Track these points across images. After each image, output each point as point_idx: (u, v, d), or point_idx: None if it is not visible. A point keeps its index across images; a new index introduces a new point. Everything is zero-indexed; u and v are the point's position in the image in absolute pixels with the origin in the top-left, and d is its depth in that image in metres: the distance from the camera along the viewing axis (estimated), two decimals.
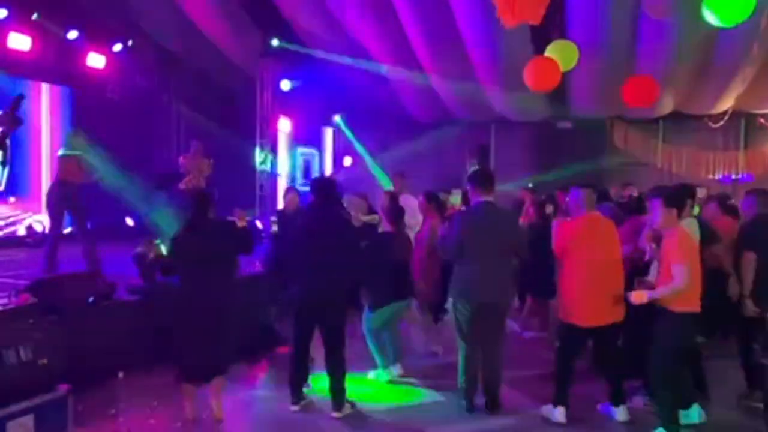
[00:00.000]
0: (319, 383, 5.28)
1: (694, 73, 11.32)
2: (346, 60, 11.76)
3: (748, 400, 5.06)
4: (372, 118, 14.45)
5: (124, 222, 10.54)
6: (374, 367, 5.79)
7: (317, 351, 5.24)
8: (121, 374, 5.57)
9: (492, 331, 5.02)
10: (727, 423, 4.88)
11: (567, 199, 5.57)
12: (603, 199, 5.92)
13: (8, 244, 9.85)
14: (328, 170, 15.15)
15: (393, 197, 6.19)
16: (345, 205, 6.41)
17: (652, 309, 4.38)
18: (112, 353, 5.42)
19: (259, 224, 11.72)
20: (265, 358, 6.31)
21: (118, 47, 10.88)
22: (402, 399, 5.40)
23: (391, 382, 5.73)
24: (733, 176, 13.30)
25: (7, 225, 10.38)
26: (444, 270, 5.80)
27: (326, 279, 4.85)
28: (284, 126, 13.19)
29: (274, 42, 11.83)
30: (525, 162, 14.12)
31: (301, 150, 14.59)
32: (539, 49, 8.81)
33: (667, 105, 12.54)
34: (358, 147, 15.00)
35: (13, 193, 10.47)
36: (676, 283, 4.24)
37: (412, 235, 6.32)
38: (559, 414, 4.77)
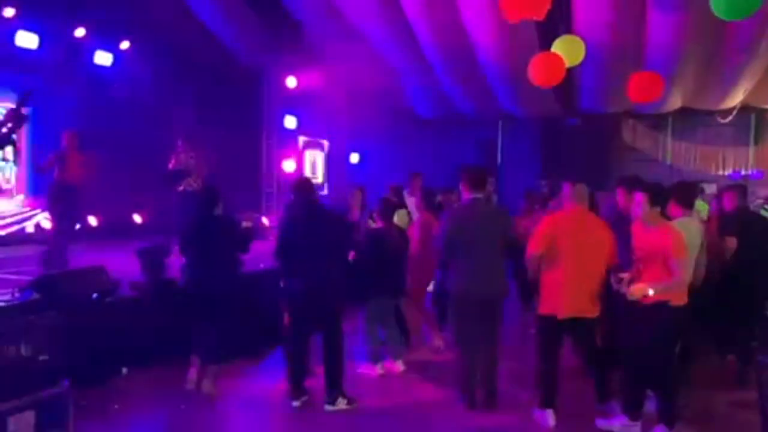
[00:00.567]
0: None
1: (702, 68, 11.21)
2: (352, 56, 11.73)
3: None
4: (378, 114, 14.41)
5: (131, 219, 10.60)
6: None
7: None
8: (125, 370, 5.61)
9: (487, 327, 5.00)
10: (719, 416, 4.92)
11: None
12: None
13: (17, 241, 9.92)
14: (334, 167, 15.14)
15: (393, 191, 6.17)
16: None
17: (631, 307, 4.34)
18: (115, 349, 5.46)
19: (265, 221, 11.77)
20: (266, 354, 6.33)
21: (125, 45, 10.93)
22: (402, 394, 5.40)
23: (383, 376, 5.75)
24: (743, 172, 13.16)
25: (17, 222, 10.45)
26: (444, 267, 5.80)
27: (321, 274, 4.89)
28: (290, 123, 13.19)
29: (280, 39, 11.85)
30: (532, 159, 14.08)
31: (307, 146, 14.59)
32: (546, 45, 8.76)
33: (675, 100, 12.44)
34: (367, 143, 14.94)
35: (22, 191, 10.56)
36: (677, 278, 4.23)
37: None
38: (548, 417, 4.71)
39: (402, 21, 10.72)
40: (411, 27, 10.86)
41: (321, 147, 15.21)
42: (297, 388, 5.05)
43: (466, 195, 5.05)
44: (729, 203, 5.94)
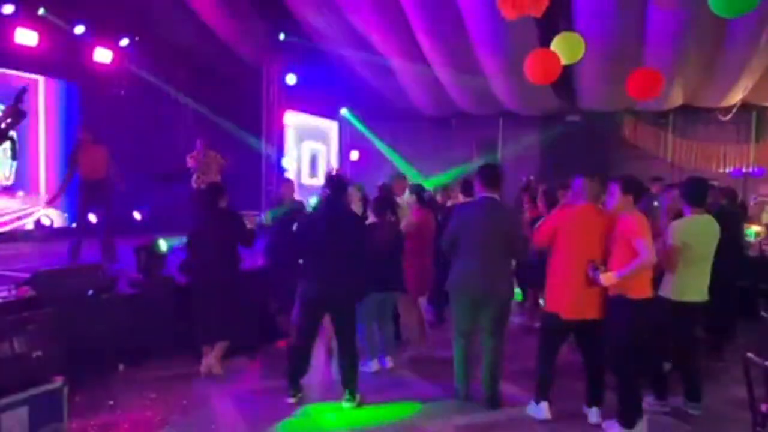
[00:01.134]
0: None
1: (703, 65, 11.17)
2: (352, 54, 11.73)
3: None
4: (378, 112, 14.42)
5: (131, 216, 10.59)
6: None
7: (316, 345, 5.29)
8: (121, 367, 5.63)
9: (491, 326, 4.98)
10: (717, 415, 4.91)
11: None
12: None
13: (16, 237, 9.94)
14: (335, 164, 15.14)
15: (381, 189, 6.14)
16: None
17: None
18: (111, 346, 5.48)
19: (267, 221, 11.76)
20: (264, 351, 6.37)
21: (124, 42, 10.92)
22: (396, 392, 5.39)
23: (377, 373, 5.76)
24: (744, 170, 13.12)
25: (16, 219, 10.47)
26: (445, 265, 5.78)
27: (340, 272, 4.91)
28: (290, 120, 13.18)
29: (281, 36, 11.84)
30: (533, 156, 14.05)
31: (307, 144, 14.59)
32: (546, 42, 8.73)
33: (676, 98, 12.40)
34: (371, 137, 14.92)
35: (21, 187, 10.58)
36: (644, 257, 4.25)
37: None
38: (543, 410, 4.71)
39: (402, 19, 10.71)
40: (409, 24, 10.84)
41: (321, 143, 15.21)
42: (295, 384, 5.07)
43: (480, 193, 5.02)
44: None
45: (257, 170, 12.34)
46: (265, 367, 6.01)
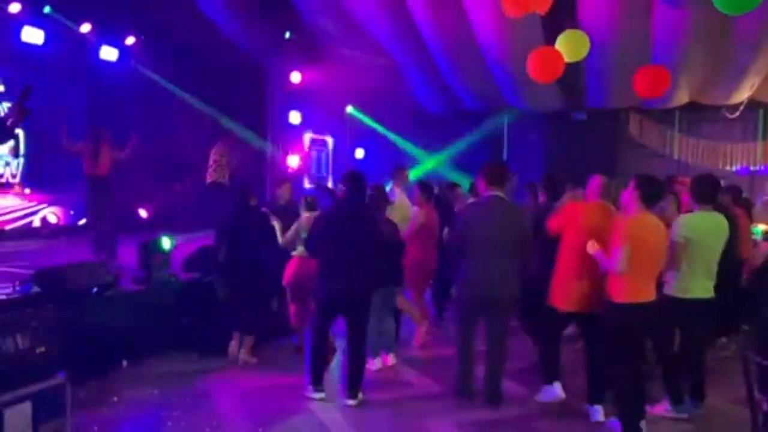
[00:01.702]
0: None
1: (709, 62, 11.10)
2: (357, 52, 11.71)
3: None
4: (384, 110, 14.39)
5: (136, 213, 10.65)
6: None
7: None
8: (124, 363, 5.66)
9: (495, 326, 4.98)
10: (721, 414, 4.89)
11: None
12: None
13: (23, 235, 10.00)
14: (340, 163, 15.12)
15: (377, 187, 6.16)
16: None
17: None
18: (115, 342, 5.50)
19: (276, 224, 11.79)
20: (265, 348, 6.35)
21: (130, 41, 10.96)
22: (398, 390, 5.41)
23: (380, 370, 5.76)
24: (751, 168, 13.02)
25: (23, 216, 10.54)
26: (449, 263, 5.77)
27: (358, 272, 4.90)
28: (295, 119, 13.19)
29: (286, 35, 11.84)
30: (538, 153, 14.00)
31: (312, 143, 14.57)
32: (551, 39, 8.69)
33: (682, 95, 12.32)
34: (381, 130, 14.86)
35: (28, 185, 10.64)
36: (610, 264, 4.29)
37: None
38: (556, 389, 4.75)
39: (405, 17, 10.69)
40: (414, 22, 10.83)
41: (326, 143, 15.20)
42: (320, 380, 5.08)
43: (486, 191, 4.99)
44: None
45: (262, 169, 12.36)
46: (267, 364, 6.03)
